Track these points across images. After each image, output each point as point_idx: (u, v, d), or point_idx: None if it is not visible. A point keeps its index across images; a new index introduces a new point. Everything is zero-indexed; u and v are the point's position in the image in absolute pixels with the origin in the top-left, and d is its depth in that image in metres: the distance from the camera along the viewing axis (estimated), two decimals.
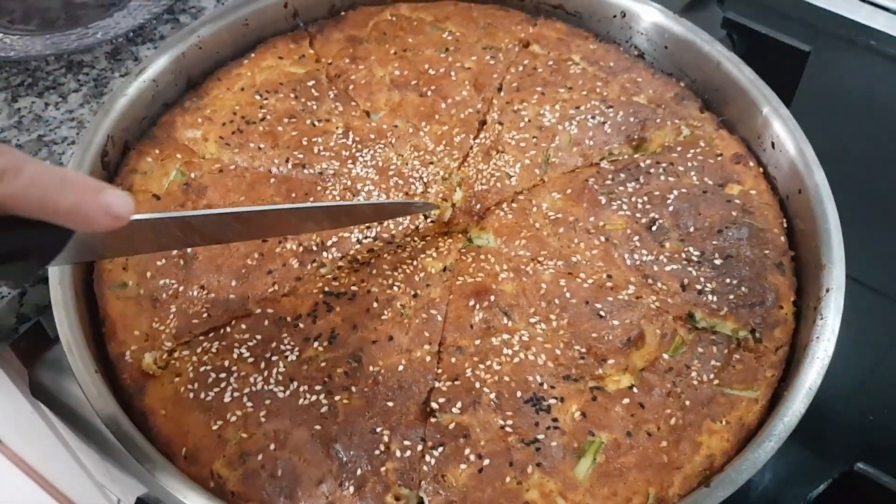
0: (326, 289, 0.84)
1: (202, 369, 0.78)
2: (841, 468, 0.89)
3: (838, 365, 1.04)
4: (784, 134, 0.94)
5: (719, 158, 0.97)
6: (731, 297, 0.85)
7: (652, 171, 0.96)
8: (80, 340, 0.76)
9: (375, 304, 0.83)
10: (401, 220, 0.91)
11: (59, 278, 0.80)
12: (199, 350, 0.80)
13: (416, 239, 0.91)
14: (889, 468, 0.94)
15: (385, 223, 0.91)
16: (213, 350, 0.80)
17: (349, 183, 0.94)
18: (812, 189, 0.89)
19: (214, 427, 0.75)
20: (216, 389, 0.77)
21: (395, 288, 0.85)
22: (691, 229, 0.90)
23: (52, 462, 1.95)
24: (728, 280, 0.86)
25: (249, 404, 0.76)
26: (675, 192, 0.93)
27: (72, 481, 1.97)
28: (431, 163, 0.97)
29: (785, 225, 0.92)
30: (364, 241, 0.89)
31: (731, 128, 1.02)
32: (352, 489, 0.71)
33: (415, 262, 0.88)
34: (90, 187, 0.53)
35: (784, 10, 1.36)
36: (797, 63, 1.18)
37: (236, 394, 0.77)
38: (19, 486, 2.34)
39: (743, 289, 0.86)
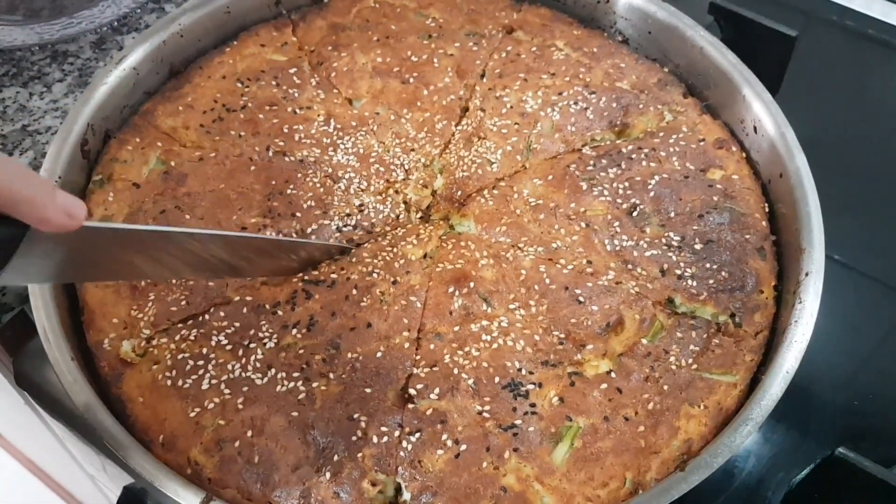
0: (305, 276, 0.84)
1: (180, 357, 0.78)
2: (824, 453, 0.89)
3: (824, 349, 1.04)
4: (766, 118, 0.94)
5: (702, 143, 0.97)
6: (711, 281, 0.85)
7: (634, 156, 0.95)
8: (58, 329, 0.76)
9: (355, 291, 0.83)
10: (381, 208, 0.91)
11: None
12: (177, 337, 0.80)
13: (396, 227, 0.91)
14: (871, 453, 0.94)
15: (366, 212, 0.90)
16: (192, 337, 0.80)
17: (330, 170, 0.93)
18: (793, 172, 0.89)
19: (192, 414, 0.75)
20: (194, 377, 0.77)
21: (375, 275, 0.85)
22: (672, 214, 0.90)
23: (44, 451, 1.96)
24: (708, 265, 0.86)
25: (227, 391, 0.76)
26: (657, 177, 0.93)
27: (64, 471, 1.98)
28: (413, 150, 0.97)
29: (767, 209, 0.92)
30: (344, 229, 0.89)
31: (715, 113, 1.01)
32: (328, 475, 0.71)
33: (395, 250, 0.87)
34: (48, 185, 0.55)
35: None
36: (785, 48, 1.17)
37: (214, 381, 0.77)
38: (13, 476, 2.35)
39: (723, 273, 0.85)
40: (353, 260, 0.86)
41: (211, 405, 0.75)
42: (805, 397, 1.00)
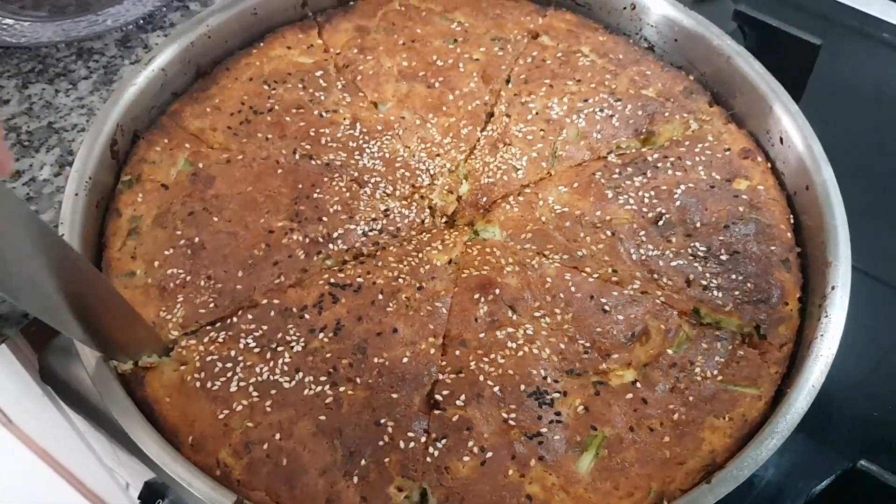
0: (332, 280, 0.85)
1: (209, 359, 0.79)
2: (844, 465, 0.89)
3: (845, 360, 1.04)
4: (793, 129, 0.94)
5: (727, 153, 0.97)
6: (737, 293, 0.85)
7: (659, 165, 0.95)
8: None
9: (380, 297, 0.84)
10: (406, 213, 0.92)
11: None
12: (205, 339, 0.81)
13: (422, 232, 0.91)
14: (892, 465, 0.94)
15: (391, 216, 0.91)
16: (220, 340, 0.80)
17: (356, 175, 0.94)
18: (819, 185, 0.89)
19: (220, 416, 0.76)
20: (222, 379, 0.78)
21: (401, 280, 0.85)
22: (698, 224, 0.90)
23: (63, 445, 1.97)
24: (734, 276, 0.86)
25: (255, 394, 0.77)
26: (683, 186, 0.93)
27: (81, 464, 1.99)
28: (438, 155, 0.97)
29: (792, 221, 0.92)
30: (370, 233, 0.90)
31: (740, 122, 1.02)
32: (355, 479, 0.72)
33: (420, 255, 0.88)
34: None
35: (796, 2, 1.35)
36: (808, 56, 1.17)
37: (242, 383, 0.78)
38: (31, 468, 2.37)
39: (748, 285, 0.86)
40: (379, 264, 0.87)
41: (239, 407, 0.76)
42: (826, 407, 1.00)
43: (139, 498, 1.03)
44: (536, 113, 1.01)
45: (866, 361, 1.05)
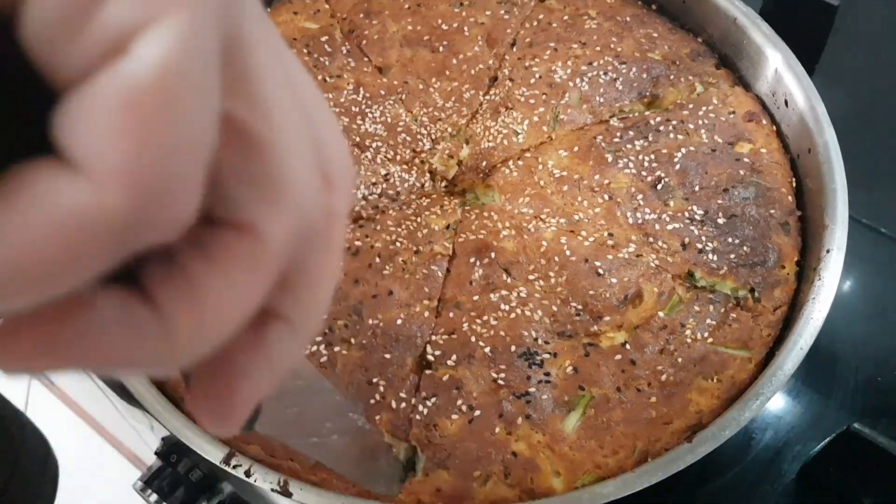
0: None
1: None
2: (843, 428, 0.89)
3: (849, 323, 1.04)
4: (797, 91, 0.93)
5: (731, 116, 0.96)
6: (732, 256, 0.85)
7: (661, 128, 0.95)
8: None
9: (378, 260, 0.85)
10: (407, 177, 0.93)
11: None
12: None
13: (421, 196, 0.93)
14: (892, 429, 0.94)
15: (392, 181, 0.92)
16: None
17: (357, 139, 0.95)
18: (821, 147, 0.88)
19: None
20: None
21: (398, 244, 0.87)
22: (697, 188, 0.90)
23: (98, 405, 2.05)
24: (730, 239, 0.86)
25: None
26: (683, 150, 0.93)
27: (111, 420, 2.07)
28: (440, 119, 0.98)
29: (794, 184, 0.91)
30: (370, 197, 0.91)
31: (747, 85, 1.00)
32: None
33: (419, 219, 0.89)
34: None
35: None
36: (826, 19, 1.14)
37: None
38: (72, 428, 2.46)
39: (745, 248, 0.86)
40: (378, 228, 0.88)
41: None
42: (828, 371, 1.00)
43: (156, 454, 1.07)
44: (540, 77, 1.01)
45: (871, 326, 1.04)
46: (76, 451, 2.39)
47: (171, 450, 1.05)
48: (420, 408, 0.76)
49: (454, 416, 0.75)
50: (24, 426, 1.08)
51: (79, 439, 2.42)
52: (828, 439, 0.90)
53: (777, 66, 0.95)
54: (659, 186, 0.90)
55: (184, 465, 1.04)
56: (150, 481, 1.05)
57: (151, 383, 0.76)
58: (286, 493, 0.68)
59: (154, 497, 1.04)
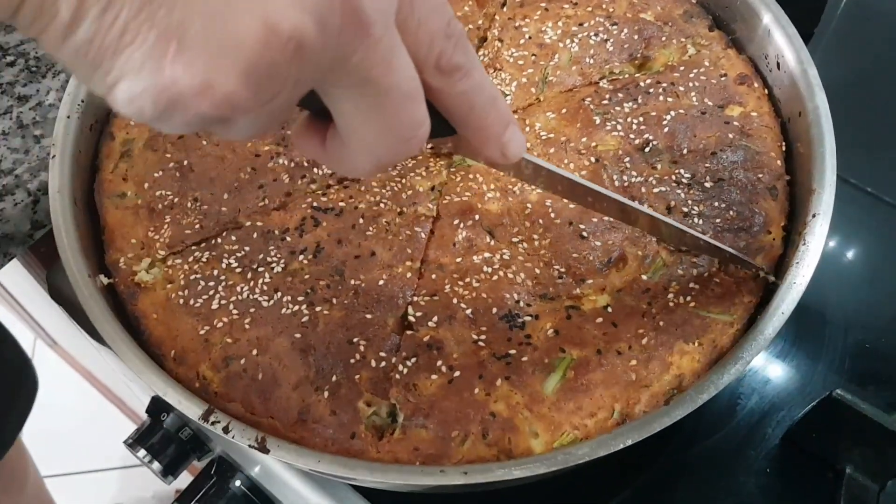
0: (315, 204, 0.86)
1: (192, 277, 0.82)
2: (825, 394, 0.89)
3: (838, 287, 1.04)
4: (789, 53, 0.91)
5: (723, 79, 0.95)
6: (718, 220, 0.84)
7: (651, 90, 0.94)
8: (76, 246, 0.80)
9: (361, 220, 0.85)
10: None
11: (57, 187, 0.83)
12: (190, 259, 0.83)
13: (407, 159, 0.92)
14: (876, 396, 0.94)
15: None
16: (204, 259, 0.83)
17: None
18: (812, 111, 0.87)
19: (202, 332, 0.79)
20: (205, 297, 0.81)
21: (382, 205, 0.86)
22: (685, 151, 0.89)
23: (97, 364, 2.07)
24: (717, 203, 0.85)
25: (235, 312, 0.80)
26: (673, 112, 0.92)
27: (115, 381, 2.08)
28: None
29: (784, 149, 0.90)
30: None
31: (741, 48, 0.99)
32: (326, 394, 0.75)
33: (403, 181, 0.89)
34: (503, 118, 0.54)
35: None
36: None
37: (223, 301, 0.80)
38: (75, 386, 2.49)
39: (731, 212, 0.85)
40: (362, 189, 0.88)
41: (220, 324, 0.79)
42: (816, 335, 1.01)
43: (146, 412, 1.08)
44: (529, 37, 0.99)
45: (863, 288, 1.04)
46: (77, 406, 2.43)
47: (161, 408, 1.06)
48: (400, 367, 0.76)
49: (434, 377, 0.76)
50: (6, 336, 1.11)
51: (79, 395, 2.45)
52: (811, 405, 0.90)
53: (769, 26, 0.93)
54: (647, 149, 0.89)
55: (173, 424, 1.05)
56: (140, 439, 1.06)
57: (133, 341, 0.77)
58: (263, 450, 0.69)
59: (144, 454, 1.05)
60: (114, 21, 0.37)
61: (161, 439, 1.06)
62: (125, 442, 1.07)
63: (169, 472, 1.06)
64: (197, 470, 1.06)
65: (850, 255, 1.08)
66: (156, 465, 1.05)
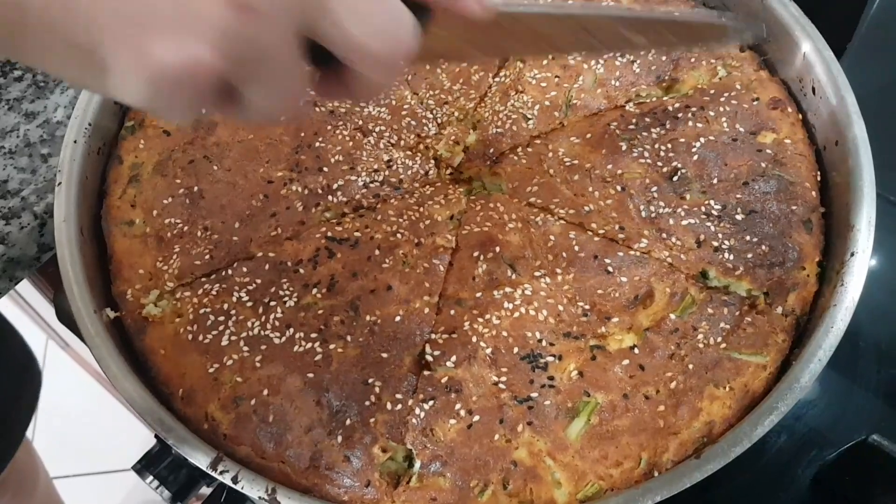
0: (329, 234, 0.83)
1: (202, 311, 0.79)
2: (859, 436, 0.86)
3: (873, 318, 0.99)
4: (826, 79, 0.87)
5: (755, 103, 0.91)
6: (750, 255, 0.81)
7: (680, 115, 0.90)
8: (81, 279, 0.78)
9: (377, 252, 0.82)
10: (410, 164, 0.89)
11: (63, 216, 0.81)
12: (199, 291, 0.80)
13: (425, 185, 0.89)
14: None
15: (394, 167, 0.88)
16: (214, 292, 0.80)
17: (360, 123, 0.91)
18: (850, 141, 0.83)
19: (211, 370, 0.76)
20: (214, 332, 0.78)
21: (399, 235, 0.83)
22: (715, 181, 0.85)
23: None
24: (748, 237, 0.82)
25: (245, 349, 0.77)
26: (702, 139, 0.88)
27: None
28: (447, 102, 0.93)
29: (819, 178, 0.86)
30: (371, 185, 0.87)
31: (773, 69, 0.95)
32: (340, 438, 0.72)
33: (421, 209, 0.85)
34: None
35: None
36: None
37: (233, 338, 0.77)
38: (86, 387, 2.47)
39: (763, 247, 0.81)
40: (378, 218, 0.85)
41: (230, 362, 0.76)
42: (849, 371, 0.97)
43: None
44: (552, 58, 0.95)
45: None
46: (87, 407, 2.41)
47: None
48: (417, 410, 0.73)
49: (452, 421, 0.72)
50: (13, 334, 1.14)
51: (90, 396, 2.43)
52: (844, 447, 0.86)
53: (805, 49, 0.89)
54: (675, 178, 0.86)
55: None
56: (148, 465, 1.03)
57: (139, 381, 0.74)
58: (274, 502, 0.66)
59: (151, 479, 1.02)
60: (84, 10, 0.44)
61: (170, 465, 1.04)
62: (133, 467, 1.04)
63: (178, 498, 1.04)
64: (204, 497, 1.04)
65: (883, 280, 1.04)
66: (165, 492, 1.02)
